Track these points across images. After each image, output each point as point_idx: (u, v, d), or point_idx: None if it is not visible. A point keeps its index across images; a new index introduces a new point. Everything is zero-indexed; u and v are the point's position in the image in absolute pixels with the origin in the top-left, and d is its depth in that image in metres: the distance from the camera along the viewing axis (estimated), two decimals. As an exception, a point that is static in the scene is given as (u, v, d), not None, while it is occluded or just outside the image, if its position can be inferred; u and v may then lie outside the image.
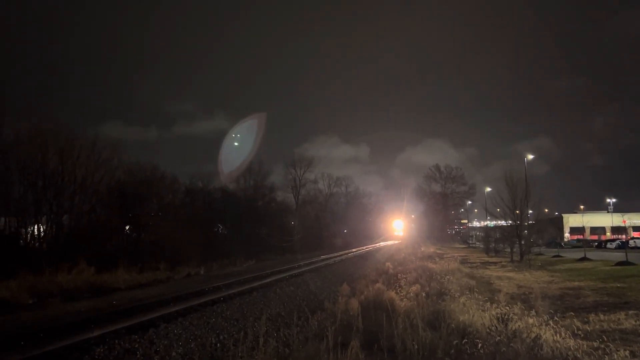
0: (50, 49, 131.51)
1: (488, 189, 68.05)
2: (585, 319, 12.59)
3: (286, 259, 39.56)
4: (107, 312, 13.82)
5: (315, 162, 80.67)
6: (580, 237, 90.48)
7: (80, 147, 29.72)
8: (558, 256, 43.50)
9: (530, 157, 47.34)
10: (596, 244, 71.63)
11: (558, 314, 11.69)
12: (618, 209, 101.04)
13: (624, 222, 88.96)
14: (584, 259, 37.10)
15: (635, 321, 12.42)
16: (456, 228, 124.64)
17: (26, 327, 12.10)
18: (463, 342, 8.42)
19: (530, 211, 43.73)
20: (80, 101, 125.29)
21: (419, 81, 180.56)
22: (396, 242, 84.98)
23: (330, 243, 67.02)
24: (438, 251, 55.31)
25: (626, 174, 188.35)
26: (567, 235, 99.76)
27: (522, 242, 40.58)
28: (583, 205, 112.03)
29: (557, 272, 28.36)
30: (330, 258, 41.09)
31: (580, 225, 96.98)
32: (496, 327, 9.53)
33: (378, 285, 16.17)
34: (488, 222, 73.22)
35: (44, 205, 27.72)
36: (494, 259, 43.85)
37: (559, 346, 8.28)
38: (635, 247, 56.60)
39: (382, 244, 79.51)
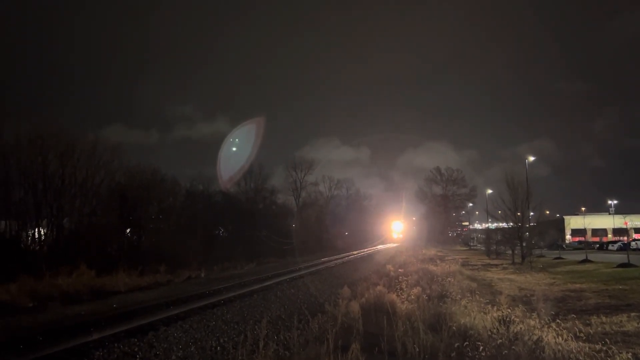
0: (51, 51, 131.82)
1: (489, 191, 67.97)
2: (587, 321, 12.55)
3: (287, 262, 39.50)
4: (106, 315, 13.77)
5: (315, 164, 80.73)
6: (582, 239, 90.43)
7: (80, 150, 29.66)
8: (559, 258, 43.42)
9: (532, 159, 47.33)
10: (598, 245, 71.46)
11: (560, 316, 11.64)
12: (619, 210, 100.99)
13: (626, 223, 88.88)
14: (585, 260, 37.03)
15: (638, 323, 12.38)
16: (457, 230, 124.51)
17: (26, 330, 12.05)
18: (464, 344, 8.38)
19: (532, 213, 43.71)
20: (81, 104, 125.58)
21: (420, 83, 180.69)
22: (395, 244, 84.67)
23: (331, 245, 66.93)
24: (439, 253, 55.19)
25: (627, 175, 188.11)
26: (568, 237, 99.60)
27: (524, 244, 40.52)
28: (584, 207, 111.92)
29: (558, 274, 28.30)
30: (331, 260, 41.01)
31: (582, 227, 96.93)
32: (498, 329, 9.47)
33: (379, 287, 16.11)
34: (489, 224, 73.14)
35: (44, 208, 27.67)
36: (495, 261, 43.77)
37: (561, 349, 8.23)
38: (637, 249, 56.41)
39: (382, 246, 79.41)
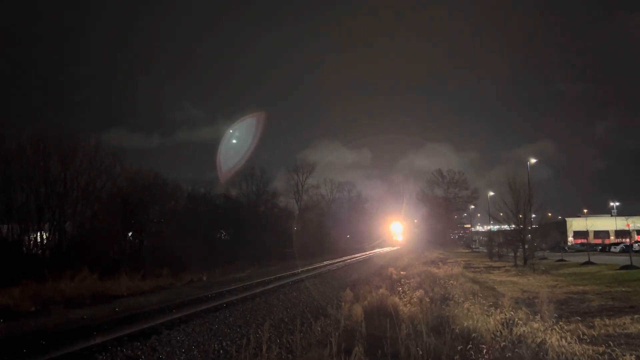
0: (52, 55, 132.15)
1: (491, 193, 68.03)
2: (591, 324, 12.51)
3: (289, 265, 39.47)
4: (109, 319, 13.78)
5: (317, 167, 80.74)
6: (584, 241, 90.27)
7: (82, 154, 29.73)
8: (562, 260, 43.34)
9: (533, 160, 47.35)
10: (600, 247, 71.31)
11: (563, 319, 11.61)
12: (622, 212, 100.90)
13: (628, 225, 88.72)
14: (588, 262, 36.95)
15: (641, 325, 12.33)
16: (459, 233, 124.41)
17: (28, 334, 12.06)
18: (468, 347, 8.35)
19: (534, 215, 43.66)
20: (82, 108, 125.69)
21: (420, 85, 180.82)
22: (396, 247, 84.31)
23: (332, 248, 66.88)
24: (441, 256, 55.14)
25: (629, 177, 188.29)
26: (570, 239, 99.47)
27: (526, 247, 40.44)
28: (586, 209, 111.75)
29: (561, 277, 28.24)
30: (333, 263, 41.01)
31: (584, 229, 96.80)
32: (501, 332, 9.46)
33: (381, 290, 16.09)
34: (491, 226, 73.08)
35: (46, 212, 27.71)
36: (497, 264, 43.69)
37: (564, 351, 8.21)
38: (640, 251, 56.33)
39: (382, 250, 79.32)
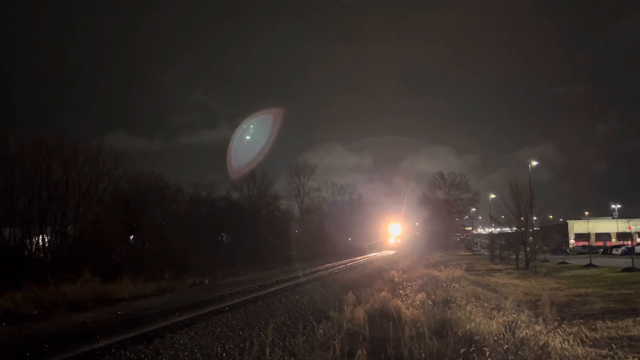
0: (54, 59, 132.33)
1: (492, 196, 67.95)
2: (593, 326, 12.50)
3: (290, 268, 39.49)
4: (112, 322, 13.79)
5: (318, 170, 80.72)
6: (586, 243, 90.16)
7: (84, 158, 29.82)
8: (563, 263, 43.26)
9: (534, 163, 47.34)
10: (602, 250, 71.22)
11: (565, 321, 11.63)
12: (623, 214, 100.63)
13: (629, 228, 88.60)
14: (589, 265, 36.89)
15: (644, 328, 12.32)
16: (460, 235, 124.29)
17: (31, 338, 12.08)
18: (470, 350, 8.36)
19: (535, 218, 43.61)
20: (84, 111, 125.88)
21: (421, 88, 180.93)
22: (397, 250, 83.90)
23: (334, 251, 66.88)
24: (442, 258, 55.11)
25: (630, 179, 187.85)
26: (572, 241, 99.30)
27: (528, 249, 40.39)
28: (588, 211, 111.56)
29: (563, 279, 28.20)
30: (335, 266, 41.00)
31: (586, 232, 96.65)
32: (503, 335, 9.46)
33: (384, 293, 16.11)
34: (492, 229, 73.01)
35: (48, 215, 27.77)
36: (499, 266, 43.63)
37: (567, 354, 8.22)
38: (642, 253, 56.22)
39: (386, 252, 79.26)
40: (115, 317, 15.19)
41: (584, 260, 40.96)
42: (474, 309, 12.09)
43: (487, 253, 63.68)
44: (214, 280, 29.72)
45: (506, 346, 8.52)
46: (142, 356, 9.99)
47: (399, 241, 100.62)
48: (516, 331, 9.72)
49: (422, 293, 16.24)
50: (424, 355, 8.41)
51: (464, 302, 13.74)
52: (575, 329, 10.63)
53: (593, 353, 8.72)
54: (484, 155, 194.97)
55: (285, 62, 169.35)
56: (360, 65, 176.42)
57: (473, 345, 8.81)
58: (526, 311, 12.58)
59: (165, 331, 12.12)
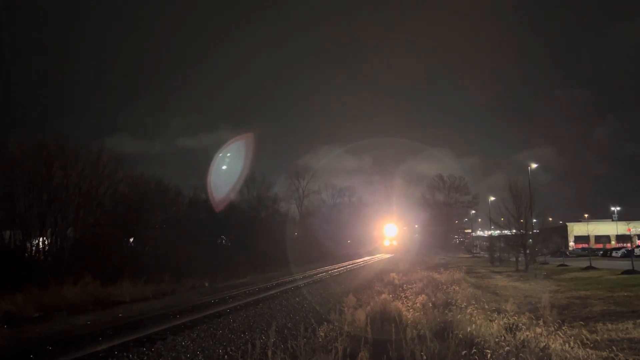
0: (54, 62, 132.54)
1: (492, 198, 67.96)
2: (593, 329, 12.53)
3: (290, 270, 39.48)
4: (113, 325, 13.82)
5: (318, 172, 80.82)
6: (585, 245, 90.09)
7: (85, 161, 29.80)
8: (563, 265, 43.28)
9: (534, 165, 47.36)
10: (601, 252, 71.29)
11: (566, 324, 11.65)
12: (623, 216, 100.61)
13: (629, 230, 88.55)
14: (589, 267, 36.93)
15: (644, 330, 12.36)
16: (460, 237, 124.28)
17: (33, 340, 12.12)
18: (472, 352, 8.41)
19: (535, 220, 43.68)
20: (85, 114, 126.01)
21: (420, 91, 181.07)
22: (396, 253, 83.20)
23: (334, 254, 66.83)
24: (442, 261, 55.16)
25: (630, 181, 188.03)
26: (572, 244, 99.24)
27: (527, 252, 40.43)
28: (587, 213, 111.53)
29: (563, 282, 28.23)
30: (335, 269, 41.05)
31: (585, 234, 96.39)
32: (504, 337, 9.51)
33: (384, 296, 16.16)
34: (492, 231, 73.05)
35: (49, 218, 27.76)
36: (499, 269, 43.67)
37: (568, 356, 8.27)
38: (641, 255, 56.26)
39: (386, 255, 79.22)
40: (117, 320, 15.22)
41: (584, 263, 41.00)
42: (475, 312, 12.14)
43: (486, 255, 63.69)
44: (214, 282, 29.75)
45: (507, 348, 8.57)
46: (145, 358, 10.03)
47: (394, 243, 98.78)
48: (517, 333, 9.77)
49: (423, 295, 16.29)
50: (425, 357, 8.46)
51: (465, 304, 13.78)
52: (575, 331, 10.67)
53: (594, 355, 8.77)
54: (483, 158, 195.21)
55: (285, 69, 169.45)
56: (359, 70, 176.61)
57: (474, 347, 8.87)
58: (527, 313, 12.61)
59: (167, 333, 12.16)
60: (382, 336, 10.38)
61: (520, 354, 8.20)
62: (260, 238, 47.69)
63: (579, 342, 9.06)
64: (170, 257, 31.62)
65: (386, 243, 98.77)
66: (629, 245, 71.26)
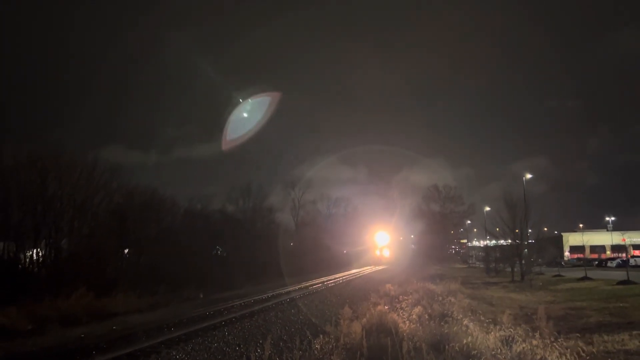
0: (49, 72, 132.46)
1: (487, 209, 68.07)
2: (589, 340, 12.54)
3: (286, 281, 39.31)
4: (107, 338, 13.71)
5: (313, 183, 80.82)
6: (581, 256, 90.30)
7: (79, 171, 29.68)
8: (559, 275, 43.37)
9: (529, 176, 47.48)
10: (597, 262, 71.43)
11: (562, 335, 11.65)
12: (617, 227, 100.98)
13: (624, 240, 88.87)
14: (585, 278, 36.98)
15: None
16: (456, 248, 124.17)
17: (27, 354, 11.99)
18: (468, 364, 8.38)
19: (530, 230, 43.78)
20: (80, 125, 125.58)
21: (414, 101, 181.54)
22: (392, 263, 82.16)
23: (330, 264, 66.65)
24: (438, 271, 55.06)
25: (624, 192, 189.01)
26: (567, 254, 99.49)
27: (523, 262, 40.47)
28: (582, 224, 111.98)
29: (558, 292, 28.26)
30: (330, 280, 40.92)
31: (580, 244, 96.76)
32: (500, 349, 9.48)
33: (380, 307, 16.08)
34: (487, 241, 73.10)
35: (43, 229, 27.58)
36: (494, 279, 43.66)
37: (564, 368, 8.25)
38: (636, 266, 56.43)
39: (381, 266, 79.03)
40: (111, 333, 15.10)
41: (579, 273, 41.08)
42: (471, 323, 12.13)
43: (482, 266, 63.74)
44: (209, 294, 29.58)
45: (503, 360, 8.55)
46: (139, 372, 9.94)
47: (386, 253, 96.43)
48: (513, 345, 9.75)
49: (419, 307, 16.25)
50: (421, 370, 8.42)
51: (461, 316, 13.78)
52: (572, 343, 10.67)
53: (590, 367, 8.76)
54: (478, 168, 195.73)
55: (280, 80, 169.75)
56: (354, 80, 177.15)
57: (470, 359, 8.83)
58: (523, 325, 12.61)
59: (161, 346, 12.07)
60: (379, 348, 10.33)
61: (517, 367, 8.18)
62: (255, 249, 47.54)
63: (575, 355, 9.05)
64: (165, 268, 31.44)
65: (378, 253, 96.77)
66: (624, 255, 71.54)
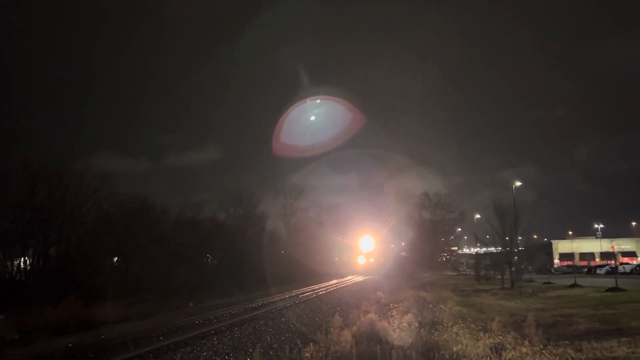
0: (40, 80, 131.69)
1: (477, 216, 68.37)
2: (579, 347, 12.58)
3: (277, 290, 39.17)
4: (95, 347, 13.59)
5: (305, 190, 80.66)
6: (570, 263, 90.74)
7: (69, 179, 29.52)
8: (548, 283, 43.53)
9: (518, 184, 47.72)
10: (586, 269, 71.79)
11: (551, 342, 11.69)
12: (606, 234, 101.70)
13: (613, 247, 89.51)
14: (574, 285, 37.13)
15: (628, 349, 12.44)
16: (446, 255, 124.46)
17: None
18: (458, 373, 8.39)
19: (520, 238, 43.97)
20: (70, 132, 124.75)
21: (404, 110, 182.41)
22: (384, 271, 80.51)
23: (321, 272, 66.40)
24: (429, 279, 55.16)
25: (612, 199, 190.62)
26: (556, 261, 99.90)
27: (513, 269, 40.61)
28: (572, 231, 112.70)
29: (548, 299, 28.36)
30: (322, 288, 40.84)
31: (570, 252, 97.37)
32: (490, 357, 9.50)
33: (370, 315, 16.10)
34: (478, 249, 73.40)
35: (31, 237, 27.35)
36: (485, 286, 43.77)
37: (553, 376, 8.28)
38: (625, 273, 56.79)
39: (372, 274, 78.88)
40: (99, 342, 14.96)
41: (569, 280, 41.24)
42: (461, 331, 12.13)
43: (472, 273, 63.89)
44: (199, 302, 29.39)
45: (493, 368, 8.56)
46: (127, 382, 9.85)
47: (378, 260, 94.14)
48: (502, 353, 9.77)
49: (409, 314, 16.24)
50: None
51: (451, 323, 13.77)
52: (561, 350, 10.70)
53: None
54: (468, 176, 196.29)
55: (276, 89, 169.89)
56: (348, 90, 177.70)
57: (460, 367, 8.84)
58: (512, 332, 12.65)
59: (149, 356, 11.97)
60: (369, 357, 10.33)
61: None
62: (246, 257, 47.35)
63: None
64: (155, 277, 31.25)
65: (370, 260, 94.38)
66: (612, 262, 71.95)
